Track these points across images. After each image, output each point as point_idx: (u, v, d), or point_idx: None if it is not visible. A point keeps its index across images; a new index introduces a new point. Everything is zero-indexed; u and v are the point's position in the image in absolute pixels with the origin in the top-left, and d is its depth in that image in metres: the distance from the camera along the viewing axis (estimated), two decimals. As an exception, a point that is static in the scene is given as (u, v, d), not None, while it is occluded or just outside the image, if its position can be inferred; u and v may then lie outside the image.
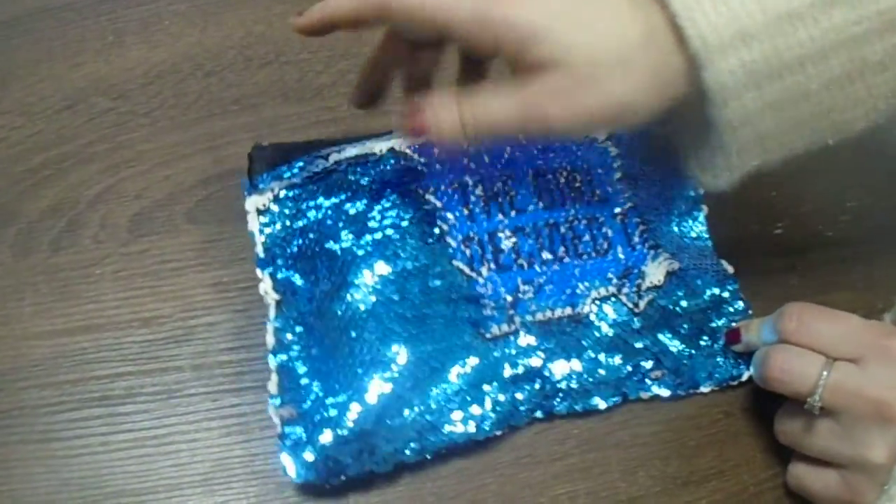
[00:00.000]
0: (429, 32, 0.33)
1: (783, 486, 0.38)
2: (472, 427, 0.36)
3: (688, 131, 0.36)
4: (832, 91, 0.32)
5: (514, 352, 0.37)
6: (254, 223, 0.39)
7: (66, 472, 0.37)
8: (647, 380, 0.38)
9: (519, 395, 0.37)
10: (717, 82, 0.31)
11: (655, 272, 0.39)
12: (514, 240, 0.38)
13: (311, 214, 0.38)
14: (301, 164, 0.39)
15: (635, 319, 0.39)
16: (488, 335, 0.37)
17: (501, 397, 0.37)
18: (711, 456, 0.38)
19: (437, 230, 0.38)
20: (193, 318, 0.40)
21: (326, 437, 0.35)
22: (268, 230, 0.38)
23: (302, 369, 0.36)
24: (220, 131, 0.45)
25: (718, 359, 0.39)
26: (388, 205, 0.39)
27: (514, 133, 0.33)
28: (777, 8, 0.30)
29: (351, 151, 0.38)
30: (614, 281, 0.39)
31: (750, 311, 0.40)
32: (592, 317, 0.38)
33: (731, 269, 0.41)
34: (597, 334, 0.38)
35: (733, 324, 0.40)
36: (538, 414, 0.37)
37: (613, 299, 0.39)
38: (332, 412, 0.35)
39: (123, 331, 0.39)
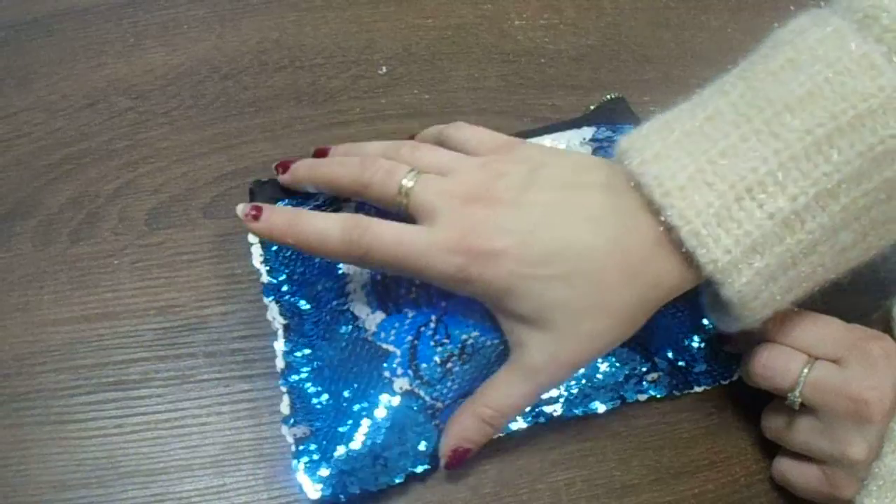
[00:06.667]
0: None
1: (771, 479, 0.39)
2: None
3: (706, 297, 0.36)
4: (846, 253, 0.32)
5: None
6: (257, 253, 0.40)
7: (80, 453, 0.37)
8: (643, 383, 0.39)
9: None
10: (736, 294, 0.31)
11: None
12: None
13: None
14: (298, 199, 0.40)
15: None
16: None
17: None
18: (704, 448, 0.39)
19: None
20: (207, 308, 0.41)
21: (340, 452, 0.35)
22: (271, 259, 0.39)
23: (312, 389, 0.37)
24: (236, 132, 0.46)
25: (711, 360, 0.40)
26: None
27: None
28: (783, 211, 0.30)
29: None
30: None
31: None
32: None
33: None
34: None
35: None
36: (540, 419, 0.38)
37: None
38: (344, 428, 0.35)
39: (139, 318, 0.40)
